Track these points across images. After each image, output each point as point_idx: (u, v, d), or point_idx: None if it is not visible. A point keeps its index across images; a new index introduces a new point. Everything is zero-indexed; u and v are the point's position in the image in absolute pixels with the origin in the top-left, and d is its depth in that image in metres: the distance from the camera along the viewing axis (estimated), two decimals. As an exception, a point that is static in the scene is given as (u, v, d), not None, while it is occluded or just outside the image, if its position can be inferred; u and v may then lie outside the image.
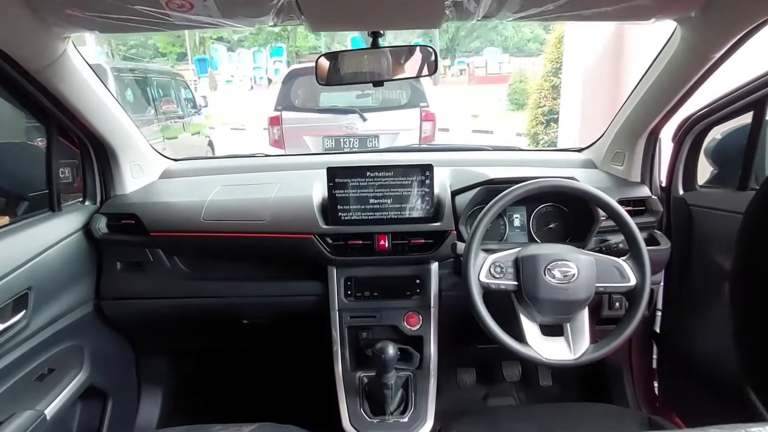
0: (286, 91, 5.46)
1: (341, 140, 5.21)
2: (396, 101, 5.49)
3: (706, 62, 1.20)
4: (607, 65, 4.29)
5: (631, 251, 1.23)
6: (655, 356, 1.82)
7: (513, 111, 14.92)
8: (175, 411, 1.85)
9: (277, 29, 23.99)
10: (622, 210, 1.22)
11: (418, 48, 1.26)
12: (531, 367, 1.96)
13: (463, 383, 1.96)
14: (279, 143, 5.33)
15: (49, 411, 1.22)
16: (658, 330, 1.75)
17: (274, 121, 5.33)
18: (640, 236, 1.22)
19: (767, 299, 0.39)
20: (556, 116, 6.94)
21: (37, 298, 1.24)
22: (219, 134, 11.07)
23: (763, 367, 0.39)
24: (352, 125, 5.16)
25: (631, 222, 1.22)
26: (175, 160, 1.89)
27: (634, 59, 3.94)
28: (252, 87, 22.99)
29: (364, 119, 5.17)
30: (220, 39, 25.80)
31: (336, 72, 1.22)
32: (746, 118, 1.34)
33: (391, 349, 1.26)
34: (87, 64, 1.33)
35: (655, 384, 1.84)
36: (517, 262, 1.23)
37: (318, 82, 1.23)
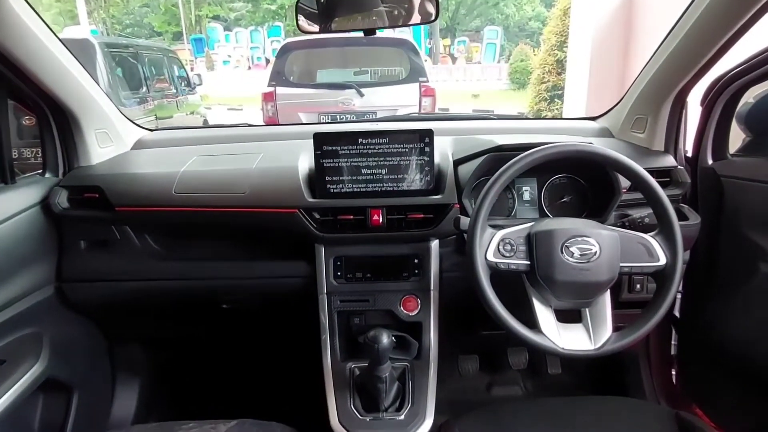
0: (280, 65, 5.27)
1: (338, 117, 5.04)
2: (395, 76, 5.32)
3: (752, 4, 1.03)
4: (616, 35, 4.08)
5: (661, 226, 1.07)
6: (674, 343, 1.68)
7: (514, 90, 14.73)
8: (153, 404, 1.71)
9: (273, 7, 23.60)
10: (652, 179, 1.06)
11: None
12: (539, 354, 1.81)
13: (466, 371, 1.82)
14: (273, 120, 5.16)
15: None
16: (677, 314, 1.61)
17: (268, 98, 5.15)
18: (672, 209, 1.06)
19: None
20: (560, 92, 6.73)
21: None
22: (216, 114, 10.90)
23: None
24: (349, 101, 4.99)
25: (662, 192, 1.06)
26: (151, 130, 1.72)
27: (644, 28, 3.74)
28: (250, 67, 22.61)
29: (362, 95, 4.99)
30: (216, 18, 25.34)
31: (323, 15, 1.04)
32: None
33: (386, 338, 1.10)
34: (37, 16, 1.16)
35: (673, 373, 1.71)
36: (530, 239, 1.07)
37: (299, 28, 1.06)
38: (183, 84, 7.55)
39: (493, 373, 1.86)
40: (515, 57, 15.52)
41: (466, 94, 14.33)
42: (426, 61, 5.57)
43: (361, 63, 5.58)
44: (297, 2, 1.04)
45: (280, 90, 5.16)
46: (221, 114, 12.29)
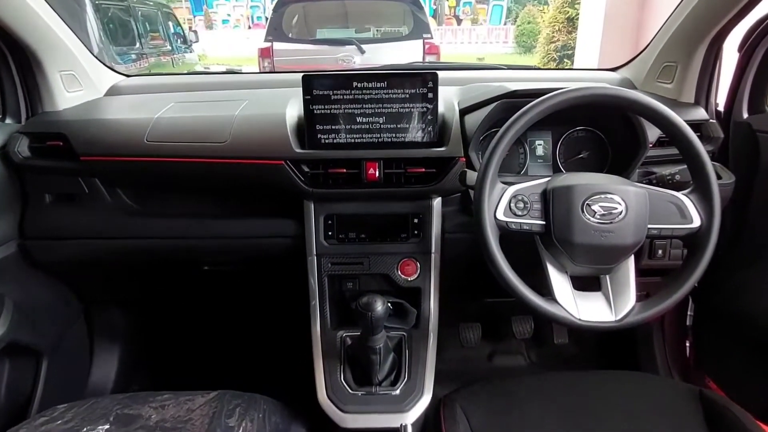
0: (277, 19, 5.04)
1: (338, 74, 4.84)
2: (397, 33, 5.09)
3: None
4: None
5: (697, 183, 0.94)
6: (690, 312, 1.58)
7: (520, 54, 14.42)
8: (134, 372, 1.62)
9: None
10: (690, 130, 0.92)
11: None
12: (544, 322, 1.70)
13: (467, 340, 1.72)
14: (270, 78, 4.95)
15: None
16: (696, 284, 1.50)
17: (265, 53, 4.94)
18: (711, 165, 0.93)
19: None
20: (570, 52, 6.47)
21: None
22: (213, 75, 10.60)
23: None
24: (350, 58, 4.78)
25: (701, 146, 0.92)
26: (128, 75, 1.57)
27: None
28: (250, 27, 22.02)
29: (363, 51, 4.78)
30: (215, -26, 24.51)
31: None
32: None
33: (380, 305, 0.99)
34: None
35: (687, 344, 1.61)
36: (546, 195, 0.94)
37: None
38: (179, 41, 7.29)
39: (496, 342, 1.77)
40: (522, 19, 15.10)
41: (470, 57, 14.01)
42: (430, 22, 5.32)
43: (361, 17, 5.34)
44: None
45: (278, 45, 4.95)
46: (219, 74, 12.00)
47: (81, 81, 1.36)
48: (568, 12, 6.63)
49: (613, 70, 1.58)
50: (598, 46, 4.39)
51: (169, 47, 6.93)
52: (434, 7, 20.36)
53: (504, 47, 15.89)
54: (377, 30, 5.31)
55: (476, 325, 1.73)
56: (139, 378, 1.61)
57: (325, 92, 1.12)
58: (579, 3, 5.66)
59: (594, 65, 4.48)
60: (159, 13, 6.93)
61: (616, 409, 1.00)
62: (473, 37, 17.14)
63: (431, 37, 4.94)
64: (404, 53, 4.89)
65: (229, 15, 22.62)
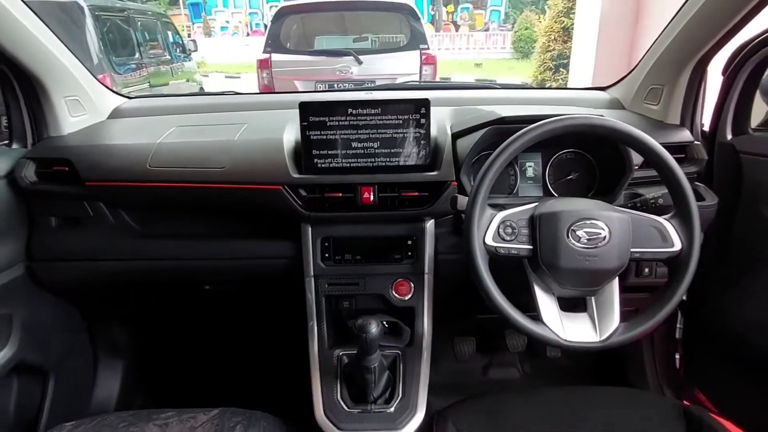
0: (276, 30, 5.08)
1: (335, 85, 4.88)
2: (395, 43, 5.13)
3: None
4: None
5: (678, 208, 0.98)
6: (679, 326, 1.61)
7: (518, 60, 14.45)
8: (137, 390, 1.65)
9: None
10: (669, 156, 0.97)
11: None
12: None
13: (461, 354, 1.75)
14: (269, 88, 5.00)
15: None
16: (684, 297, 1.53)
17: (263, 64, 4.98)
18: (690, 190, 0.97)
19: None
20: (566, 61, 6.53)
21: None
22: (213, 82, 10.67)
23: None
24: (347, 69, 4.82)
25: (681, 172, 0.96)
26: (130, 98, 1.61)
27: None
28: (248, 33, 22.10)
29: (360, 62, 4.82)
30: (213, -19, 24.62)
31: None
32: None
33: (374, 327, 1.02)
34: None
35: (677, 357, 1.64)
36: (533, 221, 0.98)
37: None
38: (178, 50, 7.34)
39: (489, 355, 1.81)
40: (520, 25, 15.17)
41: (468, 64, 14.06)
42: (424, 24, 5.36)
43: (359, 28, 5.39)
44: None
45: (276, 57, 4.99)
46: (218, 81, 12.05)
47: (84, 105, 1.40)
48: (564, 22, 6.69)
49: (604, 89, 1.62)
50: (592, 56, 4.44)
51: (168, 56, 6.98)
52: (432, 13, 20.47)
53: (502, 52, 15.94)
54: (375, 38, 5.35)
55: (470, 338, 1.77)
56: (141, 394, 1.65)
57: (322, 118, 1.15)
58: (574, 13, 5.72)
59: (589, 75, 4.53)
60: (158, 23, 6.98)
61: (600, 425, 1.04)
62: (471, 43, 17.22)
63: (428, 48, 4.97)
64: (401, 64, 4.93)
65: (227, 22, 22.73)
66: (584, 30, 4.74)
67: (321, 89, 4.85)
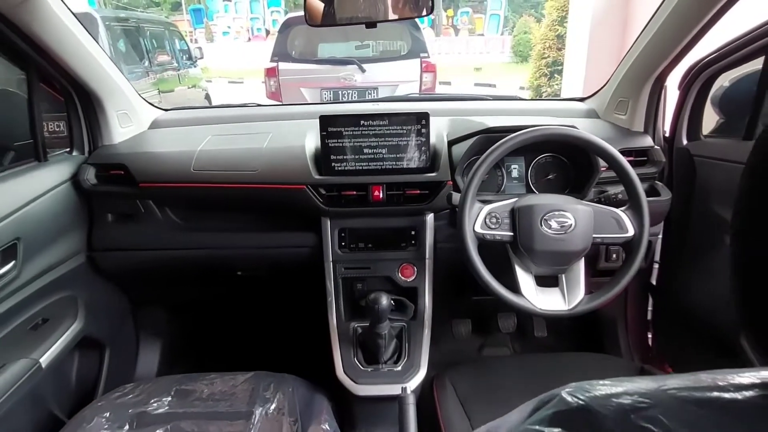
0: (283, 40, 5.30)
1: (339, 92, 5.10)
2: (396, 52, 5.34)
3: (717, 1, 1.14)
4: (616, 11, 4.11)
5: (631, 202, 1.20)
6: (650, 308, 1.82)
7: (517, 63, 14.59)
8: (174, 361, 1.87)
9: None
10: (623, 159, 1.19)
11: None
12: (526, 318, 1.96)
13: (459, 334, 1.97)
14: (276, 95, 5.22)
15: (44, 360, 1.23)
16: (654, 282, 1.74)
17: (271, 73, 5.20)
18: (641, 186, 1.19)
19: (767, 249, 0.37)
20: (560, 67, 6.75)
21: (26, 248, 1.22)
22: (216, 87, 10.86)
23: (759, 318, 0.37)
24: (351, 77, 5.04)
25: (632, 171, 1.18)
26: (165, 110, 1.83)
27: (644, 4, 3.77)
28: (249, 39, 22.30)
29: (363, 70, 5.04)
30: (215, -13, 24.82)
31: (329, 13, 1.16)
32: (757, 64, 1.27)
33: (385, 300, 1.25)
34: (64, 5, 1.26)
35: (649, 335, 1.85)
36: (513, 213, 1.20)
37: (307, 22, 1.17)
38: (184, 57, 7.56)
39: (484, 335, 2.01)
40: (519, 29, 15.33)
41: (468, 68, 14.22)
42: (425, 28, 5.53)
43: (361, 36, 5.57)
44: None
45: (283, 66, 5.21)
46: (222, 87, 12.19)
47: (131, 118, 1.62)
48: (558, 30, 6.91)
49: (582, 100, 1.84)
50: (584, 63, 4.64)
51: (175, 63, 7.21)
52: (432, 17, 20.65)
53: (501, 56, 16.08)
54: (376, 46, 5.53)
55: (467, 321, 1.99)
56: (179, 367, 1.86)
57: (338, 129, 1.38)
58: (567, 21, 5.93)
59: (581, 81, 4.75)
60: (166, 32, 7.23)
61: (566, 378, 1.25)
62: (471, 47, 17.40)
63: (428, 56, 5.18)
64: (402, 72, 5.15)
65: (229, 27, 22.88)
66: (576, 38, 4.94)
67: (326, 97, 5.07)
